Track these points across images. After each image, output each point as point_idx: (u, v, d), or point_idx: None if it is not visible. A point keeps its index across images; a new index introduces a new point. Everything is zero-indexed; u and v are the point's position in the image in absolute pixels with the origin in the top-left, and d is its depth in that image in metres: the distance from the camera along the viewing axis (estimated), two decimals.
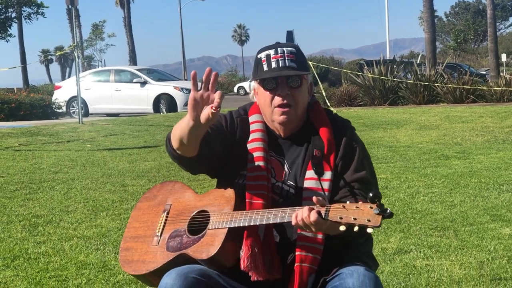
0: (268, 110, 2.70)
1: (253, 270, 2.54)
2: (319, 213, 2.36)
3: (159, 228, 2.72)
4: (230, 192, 2.64)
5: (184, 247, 2.58)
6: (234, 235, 2.54)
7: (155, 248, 2.67)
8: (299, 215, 2.39)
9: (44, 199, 7.45)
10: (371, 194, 2.27)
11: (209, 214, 2.62)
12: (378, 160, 9.73)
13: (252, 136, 2.75)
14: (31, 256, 5.28)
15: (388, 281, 4.39)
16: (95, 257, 5.20)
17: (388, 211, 2.28)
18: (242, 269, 2.54)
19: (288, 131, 2.73)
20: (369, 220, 2.28)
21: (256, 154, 2.69)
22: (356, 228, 2.30)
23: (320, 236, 2.55)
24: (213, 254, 2.50)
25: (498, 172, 8.39)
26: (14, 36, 51.51)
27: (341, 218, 2.32)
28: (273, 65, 2.66)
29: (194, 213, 2.68)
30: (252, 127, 2.77)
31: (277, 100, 2.66)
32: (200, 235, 2.59)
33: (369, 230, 2.28)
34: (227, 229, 2.53)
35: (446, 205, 6.61)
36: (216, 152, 2.68)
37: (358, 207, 2.32)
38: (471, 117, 15.22)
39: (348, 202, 2.37)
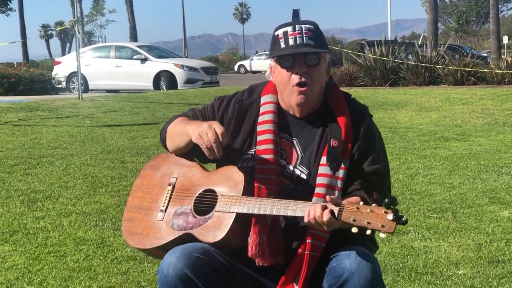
0: (286, 89, 2.64)
1: (260, 257, 2.52)
2: (332, 212, 2.32)
3: (164, 203, 2.67)
4: (239, 174, 2.57)
5: (190, 227, 2.55)
6: (241, 221, 2.50)
7: (159, 223, 2.63)
8: (312, 213, 2.36)
9: (43, 175, 7.45)
10: (387, 200, 2.23)
11: (216, 195, 2.57)
12: None
13: (262, 117, 2.69)
14: (29, 231, 5.28)
15: (386, 262, 4.40)
16: (94, 233, 5.20)
17: (403, 218, 2.23)
18: (249, 256, 2.52)
19: (305, 112, 2.67)
20: (383, 226, 2.24)
21: (265, 136, 2.64)
22: (368, 232, 2.26)
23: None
24: (219, 239, 2.47)
25: (497, 154, 8.38)
26: (15, 10, 51.32)
27: (354, 220, 2.28)
28: (291, 42, 2.60)
29: (200, 191, 2.63)
30: (264, 108, 2.71)
31: (295, 78, 2.60)
32: (207, 216, 2.55)
33: (381, 235, 2.25)
34: (234, 214, 2.49)
35: (445, 187, 6.62)
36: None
37: (372, 211, 2.27)
38: (472, 99, 15.19)
39: (361, 202, 2.33)
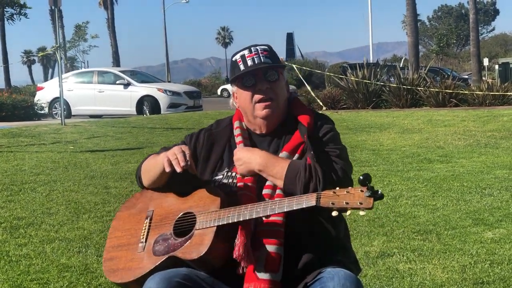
0: (249, 107, 2.74)
1: (245, 259, 2.51)
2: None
3: (143, 235, 2.67)
4: (215, 192, 2.62)
5: (172, 250, 2.55)
6: (223, 233, 2.52)
7: (141, 254, 2.63)
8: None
9: (26, 201, 7.39)
10: (361, 177, 2.31)
11: (195, 215, 2.59)
12: (361, 163, 9.75)
13: (237, 139, 2.79)
14: (12, 258, 5.23)
15: (371, 285, 4.39)
16: (77, 260, 5.16)
17: (379, 192, 2.31)
18: (234, 257, 2.51)
19: (271, 126, 2.76)
20: (361, 203, 2.32)
21: None
22: (348, 212, 2.34)
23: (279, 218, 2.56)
24: (203, 253, 2.46)
25: (480, 176, 8.43)
26: None
27: (333, 203, 2.35)
28: (249, 63, 2.70)
29: (178, 216, 2.64)
30: (235, 132, 2.82)
31: (258, 96, 2.71)
32: (187, 236, 2.56)
33: (361, 213, 2.33)
34: (215, 227, 2.51)
35: (428, 209, 6.63)
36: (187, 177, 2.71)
37: (348, 192, 2.35)
38: (454, 121, 15.30)
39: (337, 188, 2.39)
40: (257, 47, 2.75)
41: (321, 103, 20.98)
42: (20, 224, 6.31)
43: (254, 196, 2.62)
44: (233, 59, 2.77)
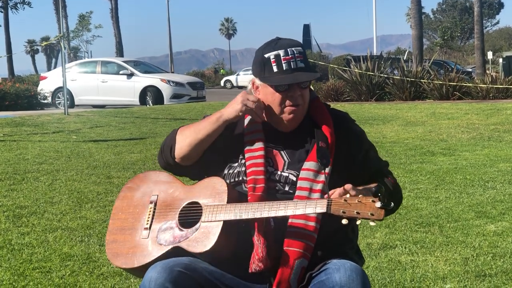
0: (276, 108, 2.70)
1: (261, 261, 2.50)
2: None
3: (148, 221, 2.65)
4: (221, 183, 2.59)
5: (177, 241, 2.54)
6: (229, 228, 2.51)
7: (145, 241, 2.62)
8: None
9: (29, 190, 7.40)
10: (373, 189, 2.31)
11: (200, 206, 2.57)
12: None
13: (250, 128, 2.75)
14: (14, 247, 5.24)
15: (373, 276, 4.39)
16: (79, 249, 5.17)
17: (391, 205, 2.30)
18: (257, 258, 2.51)
19: (292, 127, 2.74)
20: (372, 214, 2.29)
21: (255, 145, 2.70)
22: (358, 222, 2.33)
23: (312, 223, 2.53)
24: (209, 247, 2.46)
25: (483, 169, 8.42)
26: (0, 26, 51.15)
27: (343, 212, 2.33)
28: (285, 66, 2.65)
29: (184, 205, 2.63)
30: (250, 119, 2.77)
31: (289, 101, 2.68)
32: (193, 228, 2.54)
33: (371, 224, 2.30)
34: (222, 222, 2.49)
35: (431, 201, 6.63)
36: (212, 158, 2.74)
37: (360, 201, 2.32)
38: (457, 114, 15.27)
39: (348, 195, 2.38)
40: (293, 49, 2.67)
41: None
42: (23, 213, 6.32)
43: (263, 185, 2.60)
44: (266, 56, 2.69)
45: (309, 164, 2.62)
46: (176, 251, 2.53)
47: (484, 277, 4.38)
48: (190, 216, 2.59)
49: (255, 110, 2.67)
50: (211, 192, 2.58)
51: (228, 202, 2.53)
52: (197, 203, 2.60)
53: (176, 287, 2.38)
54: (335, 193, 2.43)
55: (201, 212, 2.56)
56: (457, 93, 19.47)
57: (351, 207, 2.32)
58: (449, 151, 10.19)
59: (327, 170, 2.58)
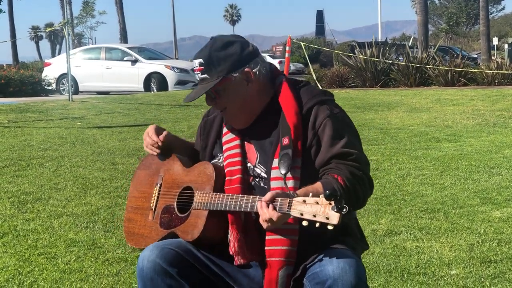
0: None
1: (239, 255, 2.56)
2: (275, 207, 2.34)
3: (153, 202, 2.79)
4: (210, 170, 2.66)
5: (173, 226, 2.67)
6: (216, 215, 2.58)
7: (151, 222, 2.77)
8: (261, 214, 2.38)
9: (33, 176, 7.41)
10: (327, 192, 2.21)
11: (193, 193, 2.66)
12: (369, 141, 9.73)
13: (226, 128, 2.78)
14: (20, 233, 5.25)
15: (378, 262, 4.39)
16: (85, 235, 5.18)
17: (345, 209, 2.19)
18: (231, 254, 2.57)
19: (243, 124, 2.70)
20: (327, 218, 2.22)
21: (231, 139, 2.73)
22: (317, 225, 2.25)
23: (293, 227, 2.47)
24: (196, 237, 2.57)
25: (488, 155, 8.40)
26: (4, 12, 51.06)
27: (301, 214, 2.27)
28: (197, 77, 2.71)
29: (181, 189, 2.73)
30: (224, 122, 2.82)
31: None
32: (186, 214, 2.66)
33: (329, 227, 2.23)
34: (207, 211, 2.57)
35: (436, 188, 6.62)
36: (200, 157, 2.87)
37: (317, 203, 2.25)
38: (462, 100, 15.22)
39: (310, 195, 2.29)
40: (195, 61, 2.65)
41: (319, 86, 20.77)
42: (28, 199, 6.33)
43: (240, 178, 2.64)
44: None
45: (277, 162, 2.55)
46: (174, 236, 2.66)
47: (490, 263, 4.38)
48: (186, 201, 2.68)
49: (151, 151, 2.82)
50: (202, 178, 2.68)
51: (214, 190, 2.59)
52: (191, 188, 2.69)
53: (167, 263, 2.50)
54: (266, 196, 2.39)
55: (193, 199, 2.65)
56: (462, 79, 19.41)
57: (308, 209, 2.25)
58: (454, 137, 10.16)
59: (293, 174, 2.51)
